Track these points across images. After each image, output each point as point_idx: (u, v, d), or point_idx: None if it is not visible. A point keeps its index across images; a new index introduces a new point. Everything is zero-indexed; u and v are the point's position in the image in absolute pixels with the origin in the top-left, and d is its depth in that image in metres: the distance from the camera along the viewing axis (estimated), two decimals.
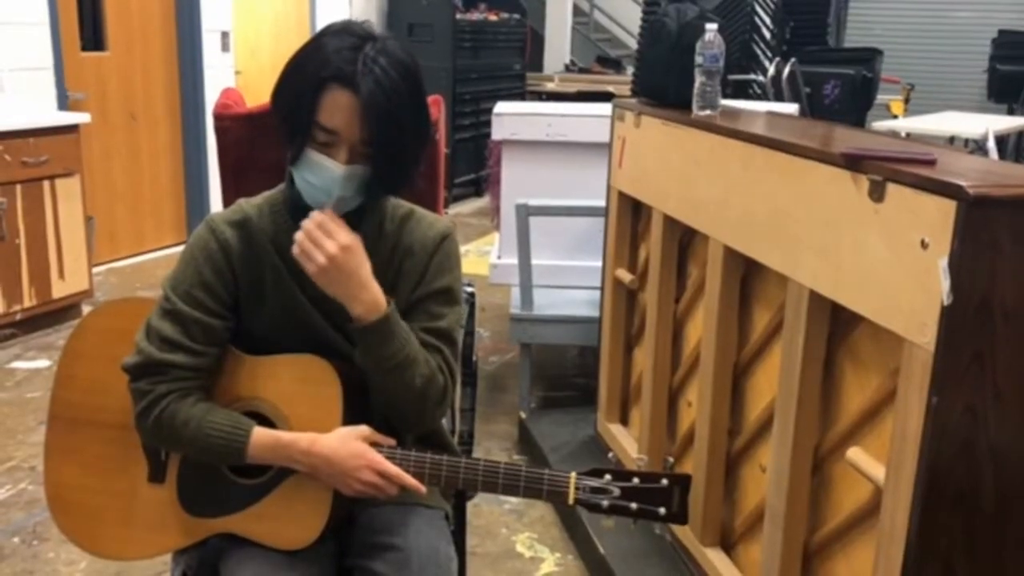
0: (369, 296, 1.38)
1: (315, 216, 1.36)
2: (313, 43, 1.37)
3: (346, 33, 1.36)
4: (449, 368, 1.48)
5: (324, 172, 1.36)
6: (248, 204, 1.50)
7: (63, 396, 1.56)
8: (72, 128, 4.14)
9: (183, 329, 1.42)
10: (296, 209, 1.44)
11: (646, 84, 2.67)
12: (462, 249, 1.89)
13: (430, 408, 1.46)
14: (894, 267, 1.45)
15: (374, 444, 1.41)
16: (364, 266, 1.38)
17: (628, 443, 2.71)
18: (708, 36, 2.22)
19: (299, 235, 1.36)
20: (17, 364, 3.83)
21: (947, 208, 1.32)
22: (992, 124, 5.78)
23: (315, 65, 1.34)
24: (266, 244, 1.46)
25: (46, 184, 4.03)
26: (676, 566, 2.28)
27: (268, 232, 1.46)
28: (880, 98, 6.45)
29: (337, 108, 1.33)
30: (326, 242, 1.34)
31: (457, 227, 1.56)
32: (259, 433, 1.41)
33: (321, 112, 1.34)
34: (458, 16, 7.14)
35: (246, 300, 1.47)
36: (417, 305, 1.48)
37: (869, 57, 6.16)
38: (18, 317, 3.99)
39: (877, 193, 1.49)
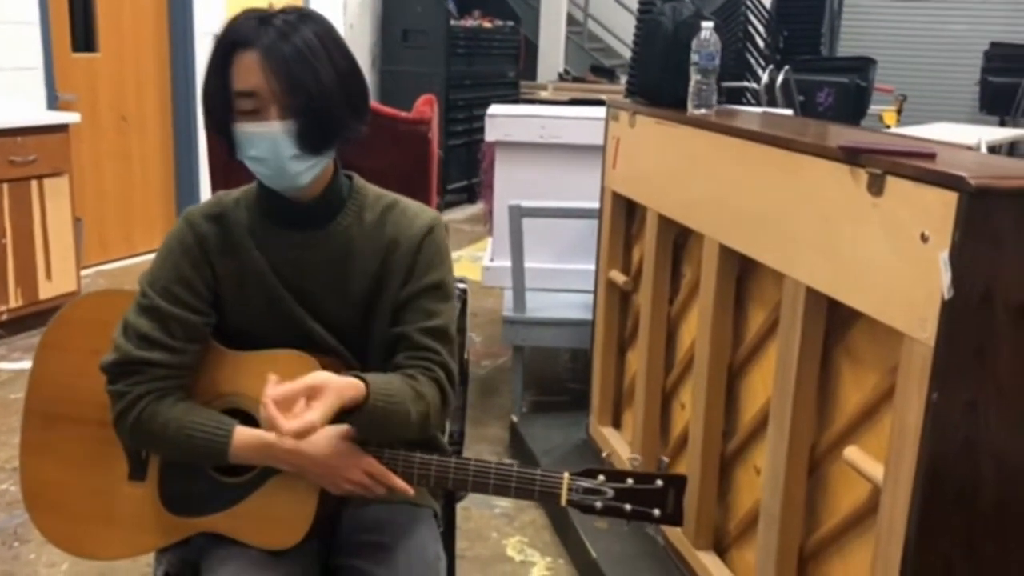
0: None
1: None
2: (222, 28, 1.36)
3: (252, 11, 1.34)
4: (447, 371, 1.44)
5: (262, 138, 1.31)
6: (227, 196, 1.47)
7: (39, 391, 1.51)
8: (61, 128, 4.10)
9: (162, 326, 1.38)
10: (266, 199, 1.41)
11: (641, 83, 2.64)
12: (454, 255, 1.84)
13: (431, 428, 1.47)
14: (893, 262, 1.42)
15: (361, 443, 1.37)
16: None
17: (620, 446, 2.68)
18: (704, 34, 2.20)
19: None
20: (2, 365, 3.77)
21: (948, 200, 1.29)
22: (984, 135, 5.78)
23: (221, 40, 1.32)
24: (244, 236, 1.42)
25: (34, 183, 3.98)
26: (669, 570, 2.24)
27: (245, 224, 1.43)
28: (873, 108, 6.45)
29: (246, 69, 1.30)
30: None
31: (449, 233, 1.51)
32: (242, 433, 1.37)
33: (235, 81, 1.30)
34: (452, 22, 7.12)
35: (226, 294, 1.44)
36: (410, 303, 1.43)
37: (863, 66, 6.16)
38: (3, 318, 3.94)
39: (876, 187, 1.46)
